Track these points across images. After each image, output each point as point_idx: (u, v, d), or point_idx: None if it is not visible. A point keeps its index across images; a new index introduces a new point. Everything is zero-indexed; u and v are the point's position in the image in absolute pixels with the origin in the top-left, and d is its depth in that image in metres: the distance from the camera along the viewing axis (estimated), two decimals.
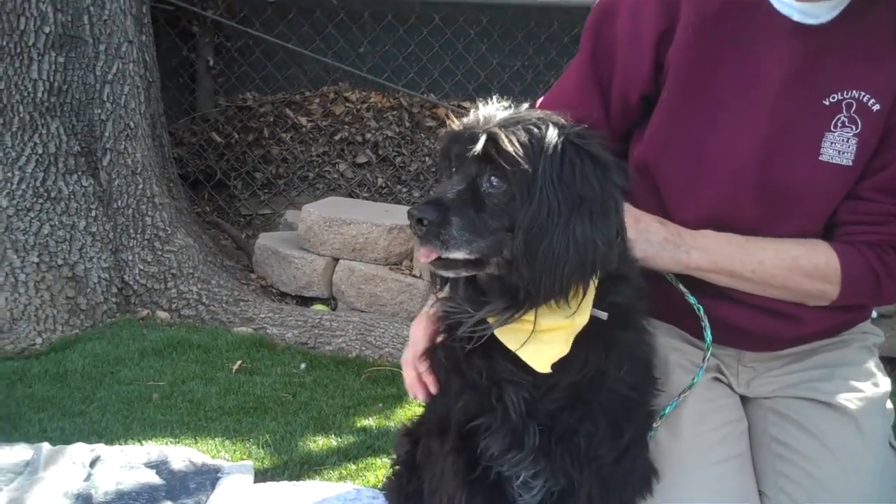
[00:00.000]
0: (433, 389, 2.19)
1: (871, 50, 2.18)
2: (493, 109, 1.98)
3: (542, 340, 1.97)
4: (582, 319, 1.97)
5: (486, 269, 1.94)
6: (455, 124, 2.00)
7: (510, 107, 2.00)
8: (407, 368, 2.27)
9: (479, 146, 1.88)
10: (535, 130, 1.89)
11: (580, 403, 2.06)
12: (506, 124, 1.90)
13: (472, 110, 2.00)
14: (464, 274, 1.95)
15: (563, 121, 1.96)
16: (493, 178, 1.89)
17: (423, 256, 1.93)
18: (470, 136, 1.91)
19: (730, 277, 2.26)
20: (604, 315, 1.99)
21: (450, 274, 1.96)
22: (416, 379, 2.23)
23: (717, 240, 2.25)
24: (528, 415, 2.05)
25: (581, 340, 1.99)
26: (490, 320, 1.99)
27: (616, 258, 1.96)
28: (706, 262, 2.24)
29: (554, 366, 1.99)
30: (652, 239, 2.20)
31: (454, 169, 1.97)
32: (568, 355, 1.99)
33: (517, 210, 1.87)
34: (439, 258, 1.91)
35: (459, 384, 2.11)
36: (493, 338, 2.01)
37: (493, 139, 1.87)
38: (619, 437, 2.12)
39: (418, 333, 2.24)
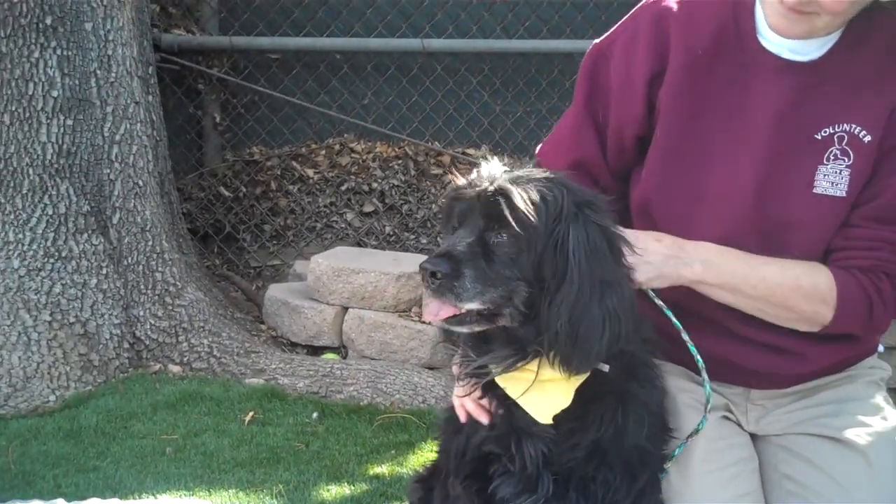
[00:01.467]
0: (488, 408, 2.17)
1: (860, 83, 2.23)
2: (496, 167, 2.03)
3: (544, 390, 2.01)
4: (585, 373, 2.00)
5: (499, 321, 1.97)
6: (458, 182, 2.03)
7: (512, 166, 2.05)
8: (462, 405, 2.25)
9: (484, 197, 1.92)
10: (547, 193, 1.95)
11: (598, 454, 2.10)
12: (516, 181, 1.95)
13: (474, 169, 2.04)
14: (476, 329, 1.99)
15: (567, 181, 2.02)
16: (501, 232, 1.94)
17: (431, 316, 1.95)
18: (477, 193, 1.96)
19: (731, 292, 2.27)
20: (606, 367, 2.02)
21: (463, 329, 2.00)
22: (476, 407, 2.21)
23: (719, 252, 2.27)
24: (544, 466, 2.08)
25: (593, 396, 2.04)
26: (492, 367, 2.02)
27: (632, 325, 2.01)
28: (709, 275, 2.24)
29: (571, 422, 2.04)
30: (653, 260, 2.21)
31: (457, 226, 2.01)
32: (582, 411, 2.03)
33: (526, 263, 1.92)
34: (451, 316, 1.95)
35: (486, 428, 2.14)
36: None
37: (503, 193, 1.92)
38: (634, 482, 2.15)
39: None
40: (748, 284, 2.25)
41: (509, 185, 1.93)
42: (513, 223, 1.90)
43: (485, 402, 2.17)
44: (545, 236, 1.91)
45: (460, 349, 2.15)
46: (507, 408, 2.08)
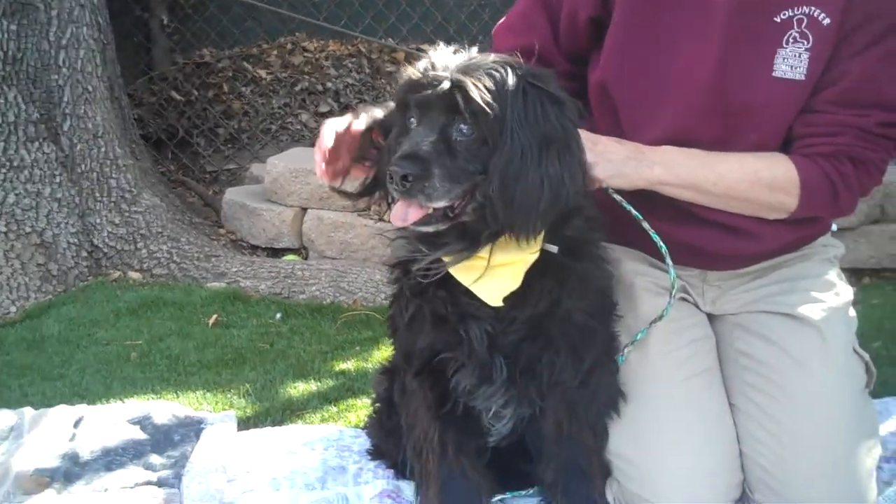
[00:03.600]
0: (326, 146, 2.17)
1: None
2: (447, 55, 2.00)
3: (495, 275, 2.04)
4: (533, 254, 2.03)
5: (462, 218, 1.98)
6: (411, 71, 2.01)
7: (460, 51, 2.03)
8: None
9: (441, 93, 1.91)
10: (497, 75, 1.93)
11: (540, 334, 2.13)
12: (468, 70, 1.93)
13: (427, 58, 2.01)
14: (441, 227, 1.99)
15: (516, 62, 2.01)
16: (462, 125, 1.93)
17: (399, 220, 1.95)
18: (432, 83, 1.94)
19: (692, 191, 2.29)
20: (554, 249, 2.04)
21: (429, 229, 2.00)
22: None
23: (678, 154, 2.28)
24: (491, 348, 2.12)
25: (536, 274, 2.06)
26: (445, 259, 2.03)
27: (582, 192, 2.01)
28: (669, 176, 2.26)
29: (511, 300, 2.06)
30: (613, 158, 2.21)
31: (414, 117, 2.00)
32: (524, 289, 2.06)
33: (488, 154, 1.93)
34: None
35: (430, 319, 2.16)
36: (451, 275, 2.06)
37: (459, 86, 1.90)
38: (580, 362, 2.20)
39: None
40: (708, 182, 2.27)
41: (464, 78, 1.91)
42: (473, 113, 1.89)
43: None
44: (496, 121, 1.91)
45: (396, 244, 2.17)
46: (453, 298, 2.10)
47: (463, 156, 1.93)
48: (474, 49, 2.05)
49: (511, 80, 1.93)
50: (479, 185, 1.94)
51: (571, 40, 2.42)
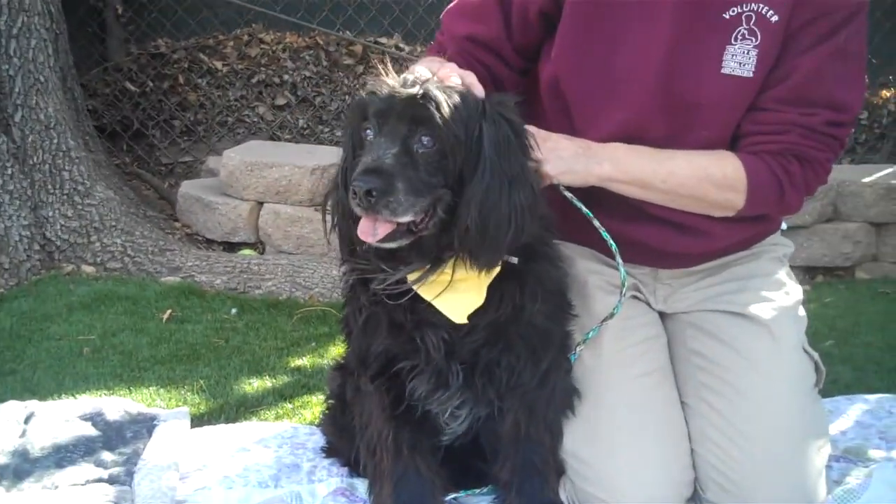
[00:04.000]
0: None
1: None
2: (415, 70, 2.01)
3: (458, 290, 2.04)
4: (496, 269, 2.04)
5: (424, 233, 1.98)
6: (379, 80, 2.00)
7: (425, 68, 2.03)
8: None
9: (407, 103, 1.91)
10: (466, 94, 1.97)
11: (500, 338, 2.14)
12: (437, 86, 1.94)
13: (383, 73, 2.00)
14: (404, 243, 1.98)
15: (479, 87, 2.04)
16: (423, 137, 1.92)
17: (368, 236, 1.93)
18: (397, 93, 1.93)
19: (641, 188, 2.31)
20: (514, 260, 2.06)
21: (393, 245, 1.98)
22: None
23: (627, 150, 2.30)
24: (449, 355, 2.12)
25: (495, 281, 2.06)
26: (410, 278, 2.03)
27: (536, 219, 2.04)
28: (618, 172, 2.28)
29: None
30: (563, 154, 2.23)
31: (371, 130, 1.98)
32: (485, 297, 2.05)
33: (449, 168, 1.93)
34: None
35: (386, 325, 2.16)
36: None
37: (429, 97, 1.90)
38: (538, 363, 2.21)
39: None
40: (657, 179, 2.29)
41: (435, 90, 1.91)
42: (442, 128, 1.89)
43: None
44: (466, 139, 1.92)
45: (351, 261, 2.15)
46: (412, 305, 2.10)
47: (425, 168, 1.92)
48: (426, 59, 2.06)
49: (482, 104, 1.96)
50: (440, 200, 1.95)
51: (523, 33, 2.42)
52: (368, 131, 1.99)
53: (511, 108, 2.04)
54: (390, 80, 1.98)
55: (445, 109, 1.89)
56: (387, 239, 1.94)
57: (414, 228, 1.96)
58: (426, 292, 2.04)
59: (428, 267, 2.02)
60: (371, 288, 2.09)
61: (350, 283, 2.21)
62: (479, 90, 2.03)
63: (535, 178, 2.05)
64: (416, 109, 1.91)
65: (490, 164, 1.92)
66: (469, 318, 2.05)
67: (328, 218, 2.12)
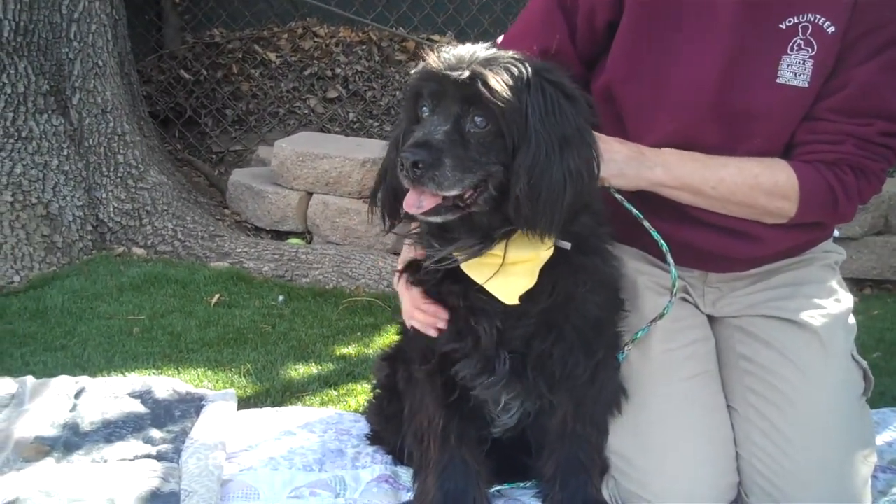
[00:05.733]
0: (444, 316, 2.19)
1: None
2: (465, 48, 2.02)
3: (510, 273, 2.04)
4: (548, 251, 2.04)
5: (473, 209, 1.99)
6: (429, 62, 2.02)
7: (480, 47, 2.03)
8: (414, 312, 2.25)
9: (459, 83, 1.92)
10: (514, 70, 1.94)
11: (552, 329, 2.14)
12: (486, 63, 1.94)
13: (440, 50, 2.02)
14: (450, 218, 1.99)
15: (534, 60, 2.03)
16: (476, 117, 1.94)
17: (413, 208, 1.95)
18: (449, 74, 1.95)
19: (692, 194, 2.31)
20: (567, 245, 2.06)
21: (438, 220, 2.00)
22: (427, 318, 2.23)
23: (679, 156, 2.30)
24: (500, 343, 2.13)
25: (547, 269, 2.07)
26: (457, 255, 2.04)
27: (597, 186, 2.03)
28: (669, 178, 2.28)
29: (523, 296, 2.06)
30: (616, 157, 2.24)
31: (426, 107, 2.01)
32: (536, 284, 2.06)
33: (502, 147, 1.94)
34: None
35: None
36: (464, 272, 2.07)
37: (479, 77, 1.91)
38: (591, 356, 2.21)
39: (403, 289, 2.28)
40: (708, 185, 2.29)
41: (484, 70, 1.93)
42: (490, 107, 1.90)
43: (432, 307, 2.20)
44: (516, 115, 1.92)
45: (418, 241, 2.17)
46: (465, 292, 2.12)
47: (476, 147, 1.94)
48: (486, 44, 2.06)
49: (528, 75, 1.94)
50: (492, 177, 1.95)
51: (589, 44, 2.43)
52: (424, 108, 2.01)
53: (560, 74, 2.02)
54: (443, 59, 1.99)
55: (497, 89, 1.90)
56: (432, 213, 1.96)
57: (460, 203, 1.97)
58: (477, 275, 2.05)
59: (478, 245, 2.02)
60: (424, 266, 2.11)
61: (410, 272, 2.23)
62: None
63: (591, 137, 2.03)
64: (467, 90, 1.92)
65: (536, 131, 1.91)
66: (521, 301, 2.06)
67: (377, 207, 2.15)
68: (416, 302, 2.22)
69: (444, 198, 1.95)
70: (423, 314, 2.21)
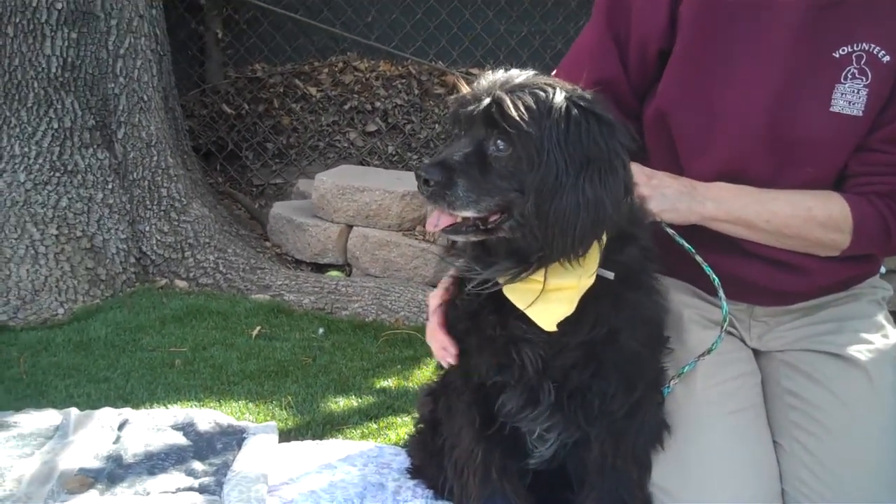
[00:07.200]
0: (454, 351, 2.23)
1: (882, 3, 2.22)
2: (502, 75, 2.03)
3: (550, 300, 2.03)
4: (588, 280, 2.03)
5: (498, 233, 2.00)
6: (465, 89, 2.05)
7: (520, 73, 2.04)
8: (430, 339, 2.30)
9: (481, 108, 1.94)
10: (542, 94, 1.94)
11: (593, 361, 2.13)
12: (512, 89, 1.95)
13: (481, 76, 2.04)
14: (472, 239, 2.02)
15: (570, 86, 2.01)
16: (499, 141, 1.94)
17: (431, 225, 1.99)
18: (475, 100, 1.97)
19: (745, 228, 2.30)
20: (610, 275, 2.04)
21: (459, 238, 2.04)
22: (441, 348, 2.26)
23: (730, 190, 2.29)
24: (542, 373, 2.12)
25: (590, 300, 2.05)
26: (499, 279, 2.04)
27: (625, 216, 2.02)
28: (721, 212, 2.27)
29: (565, 325, 2.05)
30: (666, 193, 2.24)
31: (462, 132, 2.03)
32: (578, 314, 2.05)
33: (525, 173, 1.93)
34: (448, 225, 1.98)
35: (477, 340, 2.18)
36: (504, 297, 2.07)
37: (497, 103, 1.93)
38: (631, 392, 2.19)
39: (434, 303, 2.30)
40: (761, 219, 2.28)
41: (504, 95, 1.93)
42: (508, 129, 1.91)
43: (444, 339, 2.22)
44: (531, 139, 1.91)
45: (461, 262, 2.18)
46: (503, 321, 2.11)
47: (497, 171, 1.94)
48: (532, 71, 2.06)
49: (557, 99, 1.93)
50: (514, 203, 1.95)
51: (642, 75, 2.43)
52: (457, 132, 2.05)
53: (595, 100, 2.00)
54: (477, 85, 2.01)
55: (512, 112, 1.90)
56: (451, 231, 1.99)
57: (482, 226, 1.98)
58: (519, 300, 2.05)
59: (516, 269, 2.01)
60: (465, 290, 2.12)
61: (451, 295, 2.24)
62: None
63: (622, 163, 1.98)
64: (489, 115, 1.94)
65: (549, 154, 1.90)
66: (560, 333, 2.05)
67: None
68: (431, 330, 2.25)
69: (464, 218, 1.97)
70: (436, 343, 2.25)
